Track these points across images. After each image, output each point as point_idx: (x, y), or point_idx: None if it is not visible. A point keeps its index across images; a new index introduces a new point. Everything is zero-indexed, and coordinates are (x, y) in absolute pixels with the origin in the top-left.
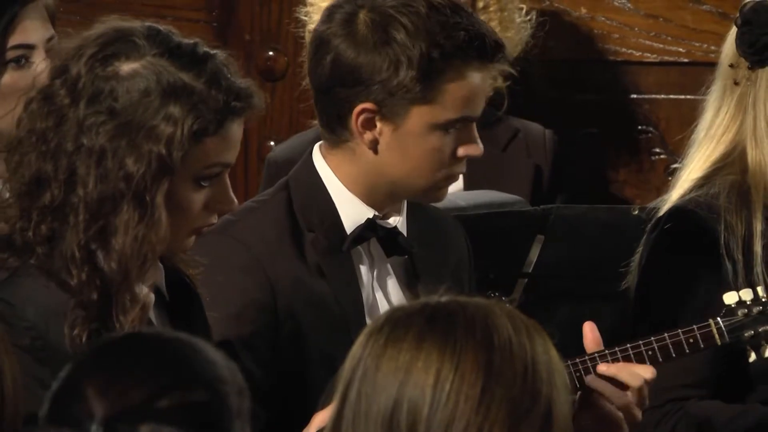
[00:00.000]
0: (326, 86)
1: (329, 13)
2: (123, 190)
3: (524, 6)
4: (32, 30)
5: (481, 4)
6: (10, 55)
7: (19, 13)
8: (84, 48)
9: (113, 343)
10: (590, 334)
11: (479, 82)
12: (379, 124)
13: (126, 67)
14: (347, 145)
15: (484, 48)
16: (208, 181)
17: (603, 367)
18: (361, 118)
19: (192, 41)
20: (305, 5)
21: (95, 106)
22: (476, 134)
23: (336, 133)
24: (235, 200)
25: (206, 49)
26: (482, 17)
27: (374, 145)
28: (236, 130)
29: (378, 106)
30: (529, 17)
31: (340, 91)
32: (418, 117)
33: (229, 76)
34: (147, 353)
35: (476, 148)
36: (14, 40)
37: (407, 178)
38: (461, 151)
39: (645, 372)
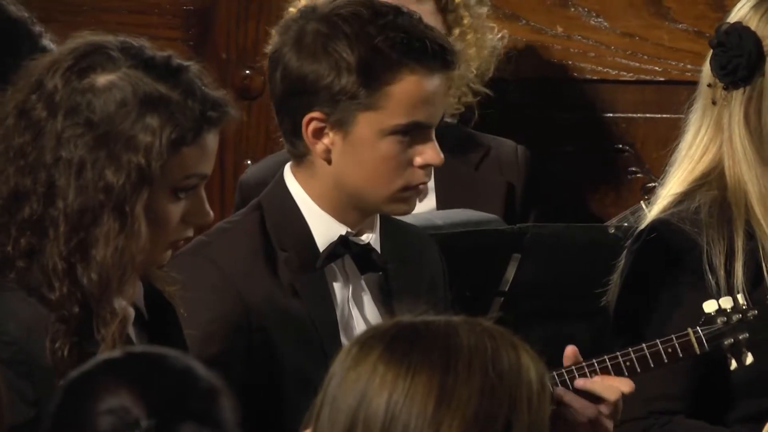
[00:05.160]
0: (280, 100)
1: (283, 30)
2: (103, 202)
3: (495, 25)
4: None
5: (457, 32)
6: None
7: None
8: (58, 62)
9: (88, 369)
10: (571, 355)
11: (426, 86)
12: (330, 134)
13: (102, 79)
14: (307, 159)
15: (424, 50)
16: (185, 193)
17: (580, 383)
18: (311, 127)
19: (166, 54)
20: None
21: (73, 119)
22: (434, 142)
23: (295, 147)
24: (211, 213)
25: (180, 61)
26: (458, 44)
27: (327, 155)
28: (212, 140)
29: (326, 115)
30: (500, 35)
31: (291, 102)
32: (366, 124)
33: (203, 87)
34: (111, 377)
35: (434, 156)
36: None
37: (365, 188)
38: (419, 160)
39: (622, 384)
